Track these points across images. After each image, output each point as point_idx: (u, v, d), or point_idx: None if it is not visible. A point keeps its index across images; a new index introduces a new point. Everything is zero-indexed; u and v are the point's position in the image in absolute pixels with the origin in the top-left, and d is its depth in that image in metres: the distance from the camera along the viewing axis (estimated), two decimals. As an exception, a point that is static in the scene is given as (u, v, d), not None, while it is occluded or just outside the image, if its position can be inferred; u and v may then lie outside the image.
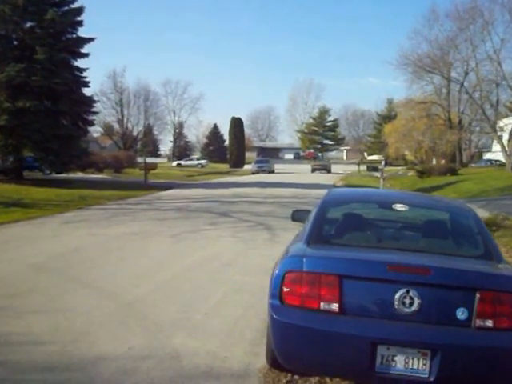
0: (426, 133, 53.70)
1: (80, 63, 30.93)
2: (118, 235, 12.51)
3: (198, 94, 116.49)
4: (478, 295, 3.95)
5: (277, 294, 4.25)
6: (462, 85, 51.14)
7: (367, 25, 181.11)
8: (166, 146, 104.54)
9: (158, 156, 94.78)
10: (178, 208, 19.22)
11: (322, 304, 4.09)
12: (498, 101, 48.69)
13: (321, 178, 46.85)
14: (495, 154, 63.26)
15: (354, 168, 72.64)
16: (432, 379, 3.86)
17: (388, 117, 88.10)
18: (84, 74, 30.70)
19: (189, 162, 77.70)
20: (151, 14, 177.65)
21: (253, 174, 56.56)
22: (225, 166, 76.70)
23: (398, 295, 3.98)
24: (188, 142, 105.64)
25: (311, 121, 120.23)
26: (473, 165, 60.81)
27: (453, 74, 52.04)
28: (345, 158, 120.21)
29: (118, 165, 45.63)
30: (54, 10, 28.71)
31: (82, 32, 30.75)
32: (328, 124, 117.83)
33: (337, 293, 4.06)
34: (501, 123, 47.92)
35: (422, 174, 45.37)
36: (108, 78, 71.08)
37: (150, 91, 79.86)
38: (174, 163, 77.49)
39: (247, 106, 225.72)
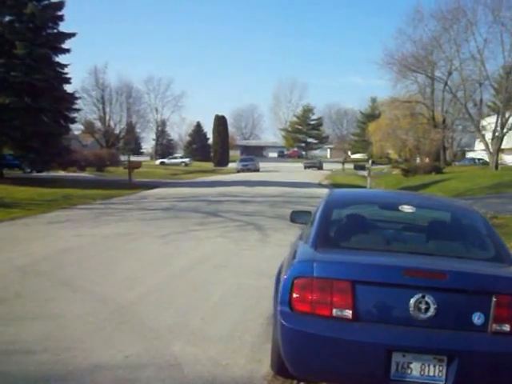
0: (410, 131, 54.18)
1: (61, 59, 30.59)
2: (106, 236, 12.26)
3: (180, 92, 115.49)
4: (494, 299, 3.85)
5: (286, 300, 4.09)
6: (445, 84, 51.69)
7: (351, 24, 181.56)
8: (148, 144, 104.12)
9: (141, 154, 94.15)
10: (165, 207, 19.00)
11: (334, 311, 3.96)
12: (481, 100, 49.29)
13: (306, 176, 46.84)
14: (477, 152, 64.05)
15: (338, 166, 73.11)
16: None
17: (372, 115, 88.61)
18: (65, 70, 30.27)
19: (172, 161, 77.31)
20: (137, 15, 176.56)
21: (238, 172, 56.54)
22: (209, 165, 76.48)
23: (413, 300, 3.86)
24: (171, 140, 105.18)
25: (295, 119, 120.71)
26: (456, 163, 61.65)
27: (437, 74, 52.87)
28: (328, 156, 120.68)
29: (100, 163, 45.19)
30: (33, 4, 28.33)
31: (63, 27, 30.43)
32: (312, 122, 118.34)
33: (350, 299, 3.93)
34: (484, 122, 48.45)
35: (407, 172, 45.70)
36: (89, 75, 70.53)
37: (133, 88, 79.50)
38: (157, 161, 77.13)
39: (230, 104, 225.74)
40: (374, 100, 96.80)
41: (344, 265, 4.23)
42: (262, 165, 65.03)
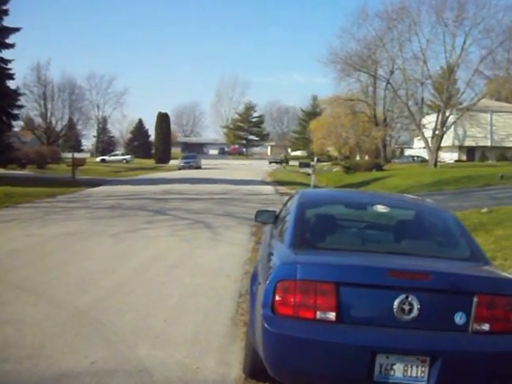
0: (351, 129, 54.91)
1: (4, 54, 29.47)
2: (55, 235, 11.83)
3: (122, 89, 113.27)
4: (475, 299, 3.86)
5: (269, 303, 3.98)
6: (388, 83, 52.48)
7: (293, 22, 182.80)
8: (88, 140, 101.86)
9: (81, 151, 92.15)
10: (112, 206, 18.53)
11: (318, 313, 3.87)
12: (422, 99, 50.33)
13: (249, 173, 46.70)
14: (415, 150, 65.48)
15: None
16: None
17: (313, 113, 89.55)
18: (9, 66, 29.20)
19: (113, 158, 76.02)
20: (76, 8, 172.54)
21: (180, 169, 55.93)
22: (150, 162, 75.53)
23: (397, 302, 3.83)
24: (112, 137, 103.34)
25: (237, 117, 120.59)
26: (396, 161, 62.59)
27: (380, 73, 53.57)
28: (269, 153, 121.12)
29: (41, 160, 43.84)
30: (-24, -2, 27.26)
31: (8, 21, 29.34)
32: (253, 120, 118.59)
33: (333, 301, 3.86)
34: (424, 121, 49.54)
35: (348, 169, 46.24)
36: (32, 71, 68.37)
37: (76, 85, 77.61)
38: (98, 159, 75.65)
39: (172, 101, 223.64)
40: (315, 98, 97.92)
41: (328, 267, 4.14)
42: (203, 162, 64.49)
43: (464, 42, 45.63)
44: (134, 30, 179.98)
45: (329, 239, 4.97)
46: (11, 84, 30.68)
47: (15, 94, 30.63)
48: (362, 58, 51.27)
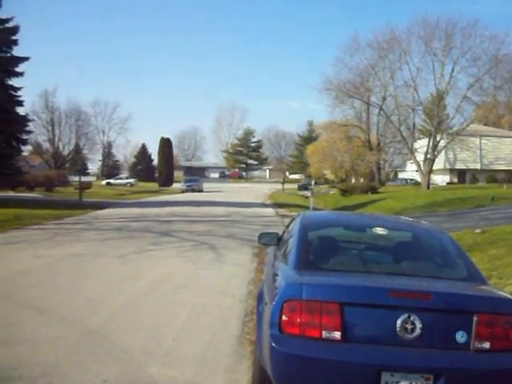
0: (346, 153, 55.05)
1: (14, 82, 29.72)
2: (64, 257, 11.78)
3: (126, 115, 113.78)
4: (475, 318, 3.84)
5: (276, 323, 3.93)
6: (380, 109, 52.68)
7: (287, 52, 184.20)
8: (94, 164, 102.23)
9: (87, 175, 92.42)
10: (118, 228, 18.50)
11: (323, 332, 3.83)
12: (414, 124, 50.58)
13: (249, 196, 46.71)
14: (408, 173, 65.58)
15: (278, 186, 73.35)
16: None
17: (309, 138, 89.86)
18: (18, 93, 29.44)
19: (118, 181, 76.24)
20: (81, 38, 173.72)
21: (182, 192, 56.04)
22: (153, 185, 75.69)
23: (399, 321, 3.80)
24: (116, 161, 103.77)
25: (236, 141, 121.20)
26: (390, 183, 62.60)
27: (373, 99, 53.68)
28: (267, 176, 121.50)
29: (49, 183, 43.98)
30: (-13, 29, 27.51)
31: (17, 51, 29.60)
32: (252, 145, 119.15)
33: (338, 320, 3.82)
34: (416, 145, 49.72)
35: (344, 192, 46.19)
36: (40, 98, 69.05)
37: (82, 111, 78.28)
38: (104, 182, 75.84)
39: (174, 126, 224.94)
40: (310, 123, 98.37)
41: (332, 287, 4.11)
42: (205, 185, 64.54)
43: (452, 70, 45.84)
44: (136, 58, 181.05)
45: (331, 260, 4.95)
46: (20, 110, 30.99)
47: (24, 120, 30.83)
48: (355, 85, 51.36)
